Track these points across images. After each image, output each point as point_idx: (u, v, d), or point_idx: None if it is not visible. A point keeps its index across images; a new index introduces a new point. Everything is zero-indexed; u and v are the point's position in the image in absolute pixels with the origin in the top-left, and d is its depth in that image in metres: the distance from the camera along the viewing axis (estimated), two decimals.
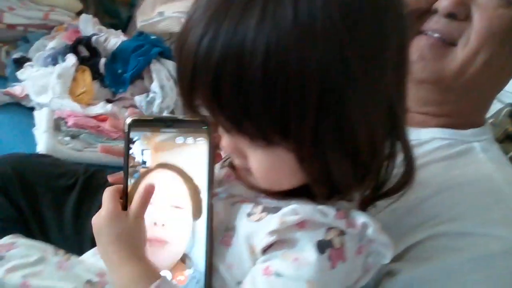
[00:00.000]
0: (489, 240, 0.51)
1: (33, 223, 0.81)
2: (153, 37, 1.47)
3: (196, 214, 0.49)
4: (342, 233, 0.43)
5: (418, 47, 0.59)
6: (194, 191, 0.49)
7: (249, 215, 0.47)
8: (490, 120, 1.06)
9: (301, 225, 0.43)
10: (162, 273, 0.48)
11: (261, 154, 0.43)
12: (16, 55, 1.35)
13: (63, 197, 0.83)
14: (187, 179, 0.49)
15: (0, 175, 0.80)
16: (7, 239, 0.63)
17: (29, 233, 0.74)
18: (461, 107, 0.63)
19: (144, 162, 0.50)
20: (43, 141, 1.07)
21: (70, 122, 1.13)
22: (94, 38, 1.39)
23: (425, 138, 0.61)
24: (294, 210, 0.43)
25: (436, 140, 0.61)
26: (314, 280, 0.41)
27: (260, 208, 0.46)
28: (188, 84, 0.41)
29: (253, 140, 0.41)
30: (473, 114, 0.65)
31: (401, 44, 0.42)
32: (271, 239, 0.43)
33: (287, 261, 0.42)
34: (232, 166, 0.51)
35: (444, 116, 0.63)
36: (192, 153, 0.49)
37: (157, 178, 0.49)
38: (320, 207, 0.43)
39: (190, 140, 0.49)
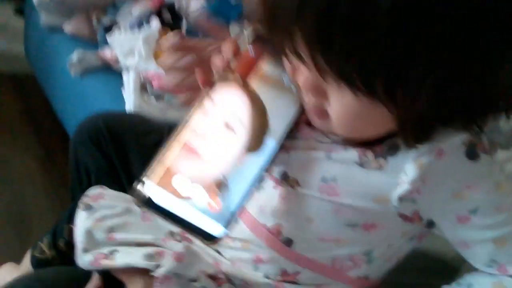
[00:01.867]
0: None
1: (123, 176, 0.86)
2: None
3: (252, 148, 0.45)
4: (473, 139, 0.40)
5: None
6: (262, 126, 0.46)
7: (361, 164, 0.43)
8: None
9: (439, 153, 0.39)
10: (196, 188, 0.44)
11: (349, 101, 0.37)
12: (105, 20, 1.42)
13: (151, 153, 0.86)
14: (262, 112, 0.46)
15: (94, 130, 0.85)
16: (95, 190, 0.65)
17: (120, 185, 0.79)
18: None
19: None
20: (130, 101, 1.13)
21: (155, 83, 1.18)
22: (176, 2, 1.42)
23: None
24: (430, 148, 0.39)
25: None
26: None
27: (370, 155, 0.42)
28: (290, 17, 0.35)
29: (351, 89, 0.35)
30: None
31: None
32: (416, 185, 0.40)
33: (461, 193, 0.40)
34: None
35: None
36: (283, 100, 0.46)
37: (234, 94, 0.46)
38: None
39: (289, 88, 0.46)
